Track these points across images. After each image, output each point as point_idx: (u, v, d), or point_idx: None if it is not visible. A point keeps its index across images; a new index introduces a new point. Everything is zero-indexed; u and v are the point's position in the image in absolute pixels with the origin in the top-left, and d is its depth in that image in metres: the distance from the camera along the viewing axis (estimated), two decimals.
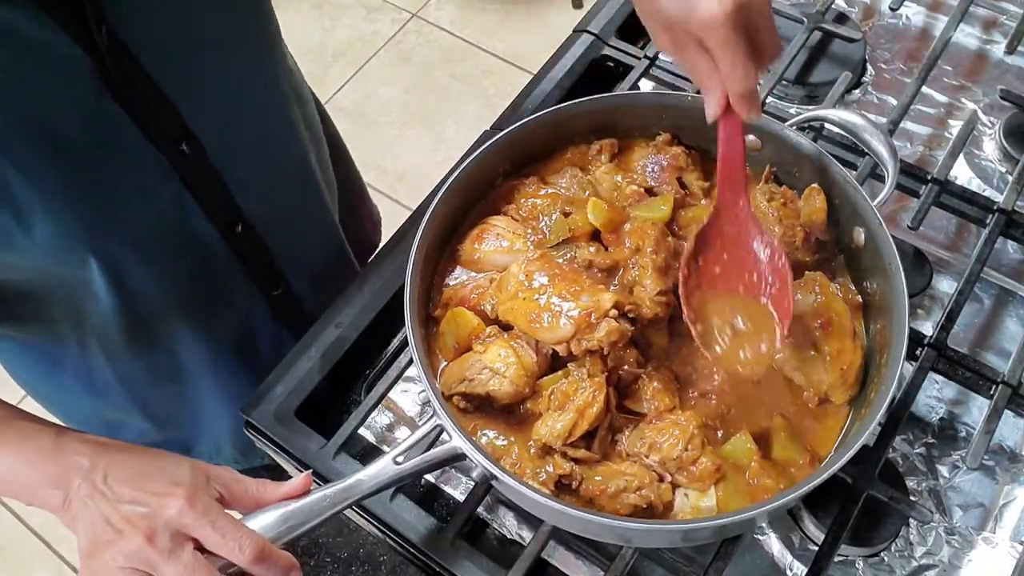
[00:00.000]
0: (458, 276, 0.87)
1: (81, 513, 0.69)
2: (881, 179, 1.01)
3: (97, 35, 0.69)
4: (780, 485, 0.74)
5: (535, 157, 0.93)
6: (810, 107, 1.14)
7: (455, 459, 0.73)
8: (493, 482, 0.73)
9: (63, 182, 0.75)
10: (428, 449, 0.73)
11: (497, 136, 0.88)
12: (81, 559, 0.68)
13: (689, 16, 0.68)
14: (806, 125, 0.91)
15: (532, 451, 0.77)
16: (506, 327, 0.80)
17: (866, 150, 0.87)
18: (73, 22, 0.68)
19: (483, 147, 0.87)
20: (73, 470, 0.69)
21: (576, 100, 0.91)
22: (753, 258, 0.78)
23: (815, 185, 0.86)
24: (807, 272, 0.83)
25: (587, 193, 0.88)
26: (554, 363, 0.80)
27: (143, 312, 0.92)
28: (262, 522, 0.69)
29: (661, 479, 0.75)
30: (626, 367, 0.79)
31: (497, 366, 0.77)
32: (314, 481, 0.73)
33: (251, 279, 1.00)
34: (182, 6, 0.76)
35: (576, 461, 0.75)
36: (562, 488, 0.75)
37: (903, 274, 0.77)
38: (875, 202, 0.82)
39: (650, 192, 0.89)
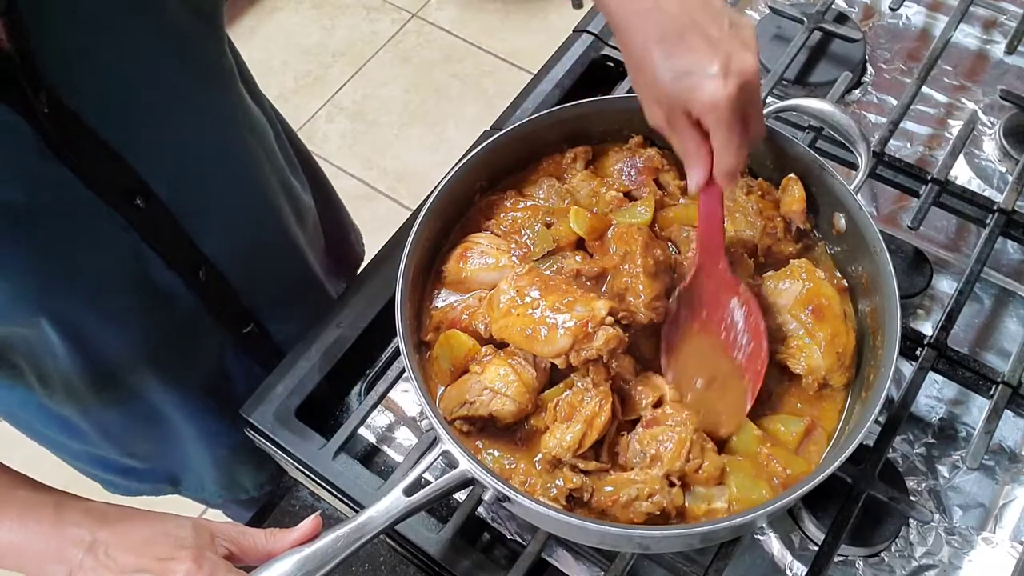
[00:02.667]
0: (445, 298, 0.86)
1: None
2: (882, 179, 1.02)
3: (35, 102, 0.67)
4: (788, 469, 0.75)
5: (510, 170, 0.92)
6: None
7: (465, 484, 0.72)
8: (506, 504, 0.72)
9: (11, 246, 0.73)
10: (437, 474, 0.72)
11: (471, 154, 0.87)
12: None
13: (691, 96, 0.68)
14: (781, 115, 0.91)
15: (539, 467, 0.76)
16: (501, 345, 0.79)
17: (838, 136, 0.88)
18: (8, 90, 0.66)
19: (458, 166, 0.85)
20: (74, 544, 0.69)
21: (545, 111, 0.90)
22: (730, 318, 0.79)
23: (791, 175, 0.87)
24: (792, 261, 0.84)
25: (566, 202, 0.87)
26: (553, 376, 0.79)
27: (106, 365, 0.91)
28: (278, 571, 0.68)
29: (672, 483, 0.74)
30: (625, 376, 0.79)
31: (497, 385, 0.76)
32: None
33: (219, 321, 0.98)
34: (126, 67, 0.74)
35: (585, 472, 0.74)
36: (574, 502, 0.74)
37: (888, 253, 0.78)
38: (852, 186, 0.83)
39: (629, 196, 0.89)
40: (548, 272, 0.82)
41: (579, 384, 0.76)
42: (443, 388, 0.81)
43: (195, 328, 0.96)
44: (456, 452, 0.70)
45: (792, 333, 0.80)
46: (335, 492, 0.84)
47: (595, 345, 0.73)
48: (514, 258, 0.84)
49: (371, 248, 1.02)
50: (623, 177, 0.90)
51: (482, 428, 0.78)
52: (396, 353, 0.92)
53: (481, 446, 0.78)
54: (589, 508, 0.74)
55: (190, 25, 0.80)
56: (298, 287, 1.12)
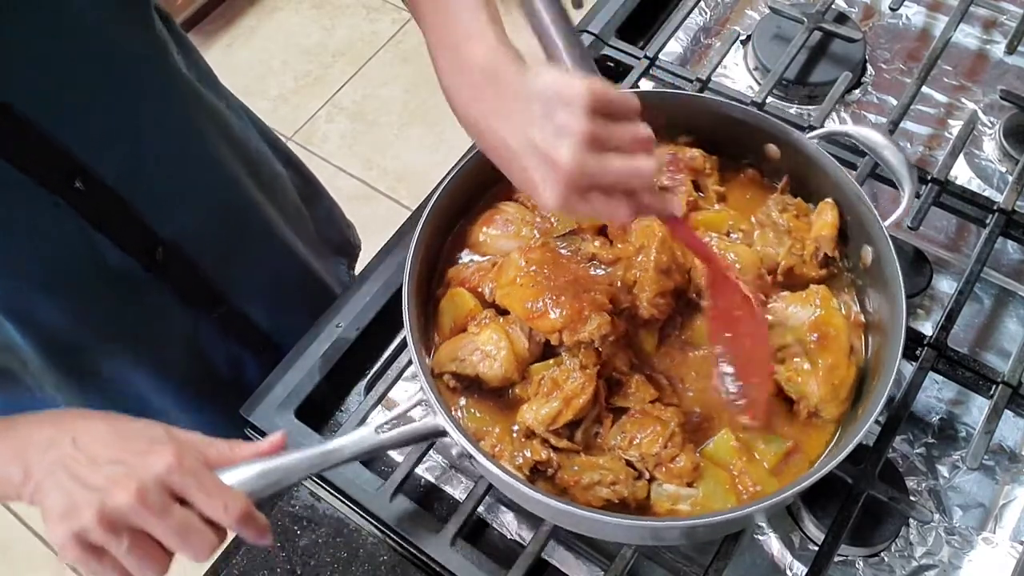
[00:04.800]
0: (463, 257, 0.88)
1: (47, 482, 0.65)
2: (883, 179, 1.01)
3: None
4: (759, 486, 0.74)
5: None
6: (809, 107, 1.15)
7: (436, 435, 0.74)
8: (470, 461, 0.74)
9: None
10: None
11: None
12: (50, 522, 0.64)
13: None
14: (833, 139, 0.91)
15: (515, 435, 0.77)
16: (503, 312, 0.81)
17: (884, 167, 0.86)
18: None
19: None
20: (31, 443, 0.66)
21: None
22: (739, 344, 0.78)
23: (829, 200, 0.85)
24: (811, 286, 0.82)
25: None
26: (547, 352, 0.80)
27: (70, 348, 0.90)
28: (241, 475, 0.69)
29: (639, 476, 0.75)
30: (618, 366, 0.79)
31: (489, 349, 0.78)
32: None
33: (186, 302, 0.97)
34: (48, 44, 0.73)
35: (557, 450, 0.75)
36: (537, 474, 0.76)
37: (904, 300, 0.75)
38: (886, 222, 0.80)
39: (662, 190, 0.89)
40: (564, 251, 0.83)
41: (568, 363, 0.77)
42: (441, 342, 0.83)
43: (161, 308, 0.95)
44: (432, 401, 0.72)
45: (793, 356, 0.79)
46: (335, 492, 0.84)
47: (587, 328, 0.75)
48: (535, 231, 0.85)
49: (371, 248, 1.02)
50: (663, 173, 0.89)
51: (469, 387, 0.80)
52: (396, 353, 0.92)
53: (465, 404, 0.80)
54: (552, 484, 0.76)
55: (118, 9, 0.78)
56: (286, 279, 1.11)
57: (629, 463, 0.76)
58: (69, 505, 0.63)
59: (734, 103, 0.89)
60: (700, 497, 0.74)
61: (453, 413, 0.77)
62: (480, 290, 0.83)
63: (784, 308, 0.80)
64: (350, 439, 0.73)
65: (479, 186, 0.89)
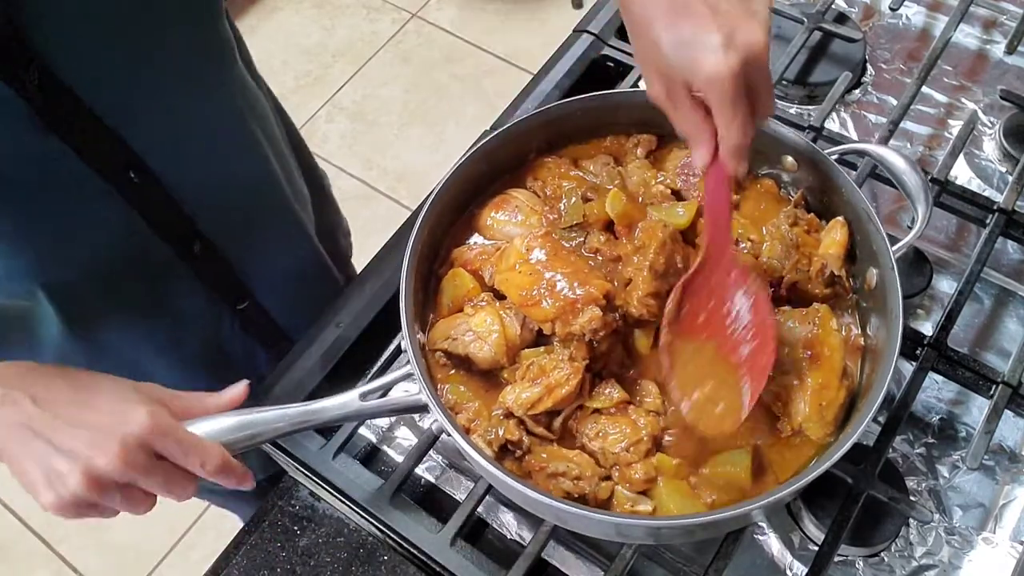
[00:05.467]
0: (471, 240, 0.89)
1: (15, 448, 0.65)
2: (883, 179, 1.01)
3: (25, 75, 0.67)
4: (714, 496, 0.74)
5: (572, 139, 0.93)
6: (809, 107, 1.15)
7: (417, 409, 0.75)
8: (446, 436, 0.75)
9: (6, 220, 0.73)
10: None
11: (538, 111, 0.89)
12: (36, 491, 0.65)
13: (691, 69, 0.65)
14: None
15: (496, 414, 0.77)
16: (501, 296, 0.81)
17: (901, 191, 0.85)
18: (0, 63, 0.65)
19: (522, 118, 0.88)
20: None
21: (624, 90, 0.90)
22: (736, 311, 0.75)
23: (840, 218, 0.84)
24: (814, 304, 0.81)
25: (615, 183, 0.88)
26: (540, 341, 0.80)
27: (101, 337, 0.91)
28: (219, 425, 0.70)
29: (606, 478, 0.75)
30: (610, 365, 0.79)
31: (481, 331, 0.79)
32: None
33: (214, 294, 0.98)
34: (120, 40, 0.74)
35: (532, 434, 0.76)
36: (507, 454, 0.76)
37: (901, 326, 0.74)
38: (895, 247, 0.79)
39: (677, 195, 0.88)
40: (569, 244, 0.84)
41: (557, 352, 0.78)
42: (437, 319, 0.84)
43: (190, 300, 0.96)
44: (416, 373, 0.73)
45: (783, 371, 0.77)
46: (335, 492, 0.84)
47: (579, 321, 0.75)
48: (543, 221, 0.86)
49: (371, 248, 1.02)
50: (679, 176, 0.89)
51: (459, 365, 0.81)
52: (396, 352, 0.92)
53: (452, 378, 0.81)
54: (519, 465, 0.76)
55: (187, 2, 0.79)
56: (303, 270, 1.12)
57: (597, 461, 0.76)
58: (51, 472, 0.64)
59: None
60: (657, 505, 0.73)
61: (440, 387, 0.79)
62: (481, 273, 0.84)
63: (782, 323, 0.79)
64: (333, 402, 0.74)
65: (497, 168, 0.90)
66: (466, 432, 0.75)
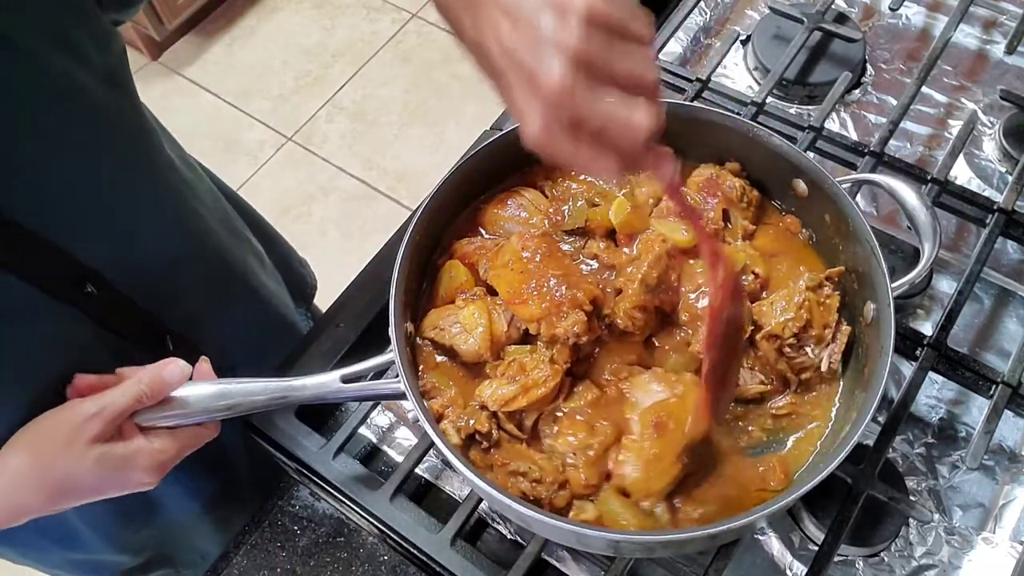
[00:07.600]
0: (474, 233, 0.89)
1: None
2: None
3: None
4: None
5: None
6: (809, 107, 1.15)
7: (395, 396, 0.76)
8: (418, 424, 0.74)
9: None
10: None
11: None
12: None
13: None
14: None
15: (472, 405, 0.77)
16: (493, 292, 0.81)
17: (908, 223, 0.84)
18: None
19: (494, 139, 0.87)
20: None
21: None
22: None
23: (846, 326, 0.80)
24: (687, 374, 0.77)
25: (624, 191, 0.88)
26: (526, 339, 0.80)
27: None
28: (200, 391, 0.71)
29: (563, 486, 0.74)
30: (595, 375, 0.79)
31: (468, 324, 0.79)
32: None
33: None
34: (56, 160, 0.72)
35: (502, 430, 0.76)
36: (473, 443, 0.76)
37: (889, 363, 0.72)
38: (896, 282, 0.77)
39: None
40: (566, 246, 0.84)
41: (540, 352, 0.78)
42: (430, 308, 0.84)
43: None
44: (398, 362, 0.74)
45: (629, 431, 0.74)
46: (335, 492, 0.84)
47: (563, 324, 0.75)
48: (545, 221, 0.86)
49: (371, 248, 1.02)
50: (700, 192, 0.86)
51: (446, 355, 0.82)
52: None
53: (437, 365, 0.82)
54: (482, 457, 0.76)
55: (109, 102, 0.76)
56: (263, 322, 1.10)
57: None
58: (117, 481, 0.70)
59: (774, 134, 0.85)
60: (598, 514, 0.73)
61: (426, 376, 0.80)
62: (476, 266, 0.84)
63: (646, 382, 0.76)
64: (313, 380, 0.75)
65: (509, 164, 0.89)
66: (438, 418, 0.76)
